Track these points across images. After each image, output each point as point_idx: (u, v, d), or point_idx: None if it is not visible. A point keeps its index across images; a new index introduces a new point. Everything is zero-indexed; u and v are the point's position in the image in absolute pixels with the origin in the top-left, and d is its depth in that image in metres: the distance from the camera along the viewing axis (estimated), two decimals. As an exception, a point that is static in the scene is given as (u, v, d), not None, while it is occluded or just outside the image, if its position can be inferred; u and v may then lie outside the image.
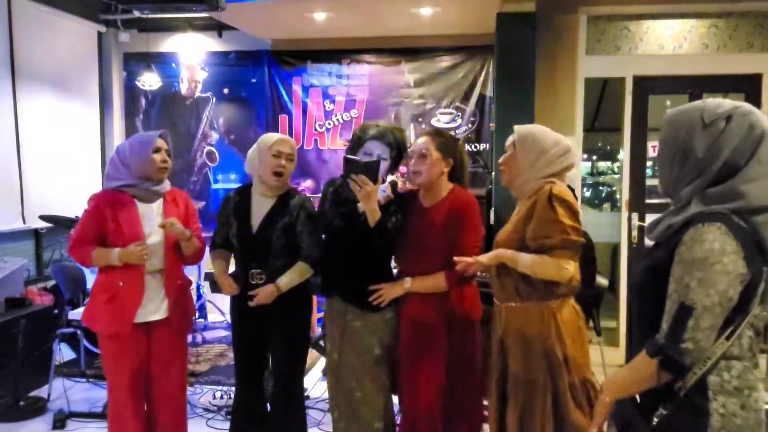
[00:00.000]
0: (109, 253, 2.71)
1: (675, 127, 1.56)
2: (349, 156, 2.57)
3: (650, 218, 4.74)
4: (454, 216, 2.60)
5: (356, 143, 2.69)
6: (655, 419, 1.49)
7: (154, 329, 2.81)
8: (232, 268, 3.04)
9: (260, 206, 2.87)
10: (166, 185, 2.88)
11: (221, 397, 4.10)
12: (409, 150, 2.73)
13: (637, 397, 1.67)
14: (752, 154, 1.48)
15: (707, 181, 1.50)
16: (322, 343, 2.87)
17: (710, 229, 1.43)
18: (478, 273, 2.63)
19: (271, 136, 2.89)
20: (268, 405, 3.06)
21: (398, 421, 2.80)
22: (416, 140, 2.72)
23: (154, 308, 2.79)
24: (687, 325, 1.42)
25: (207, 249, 3.05)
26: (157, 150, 2.78)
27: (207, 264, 3.19)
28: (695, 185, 1.52)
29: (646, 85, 4.83)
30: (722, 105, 1.53)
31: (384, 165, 2.60)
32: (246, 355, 2.96)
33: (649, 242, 1.69)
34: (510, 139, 2.43)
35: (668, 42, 4.83)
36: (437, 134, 2.71)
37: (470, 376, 2.65)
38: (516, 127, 2.43)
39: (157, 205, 2.85)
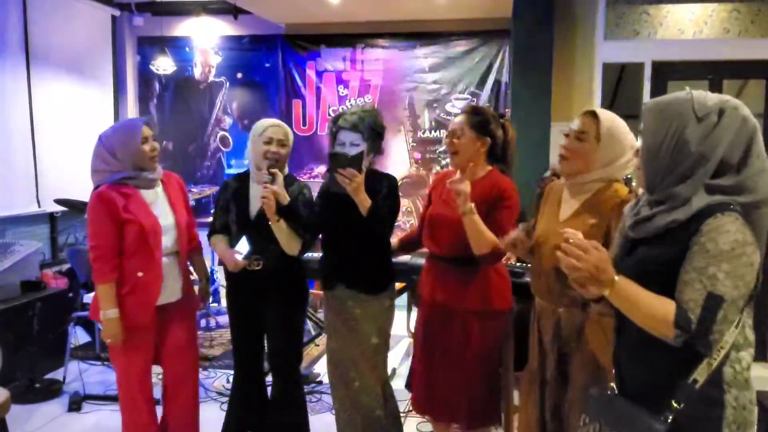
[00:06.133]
0: (110, 305, 2.59)
1: (665, 119, 1.51)
2: (335, 151, 2.56)
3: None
4: (490, 198, 2.48)
5: (332, 136, 2.68)
6: (670, 417, 1.43)
7: (168, 311, 2.80)
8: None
9: (258, 193, 2.80)
10: (160, 169, 2.83)
11: (234, 382, 4.12)
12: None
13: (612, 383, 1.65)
14: (748, 148, 1.46)
15: (707, 176, 1.47)
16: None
17: (730, 219, 1.40)
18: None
19: (262, 122, 2.84)
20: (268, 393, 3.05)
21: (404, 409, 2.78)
22: (454, 119, 2.64)
23: (170, 291, 2.78)
24: (717, 317, 1.39)
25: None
26: (145, 140, 2.68)
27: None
28: (694, 181, 1.47)
29: (665, 71, 4.75)
30: (710, 97, 1.50)
31: (357, 150, 2.55)
32: (243, 338, 2.96)
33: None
34: (585, 124, 2.14)
35: (688, 27, 4.74)
36: (473, 112, 2.59)
37: (487, 366, 2.58)
38: (600, 113, 2.13)
39: (159, 189, 2.82)
